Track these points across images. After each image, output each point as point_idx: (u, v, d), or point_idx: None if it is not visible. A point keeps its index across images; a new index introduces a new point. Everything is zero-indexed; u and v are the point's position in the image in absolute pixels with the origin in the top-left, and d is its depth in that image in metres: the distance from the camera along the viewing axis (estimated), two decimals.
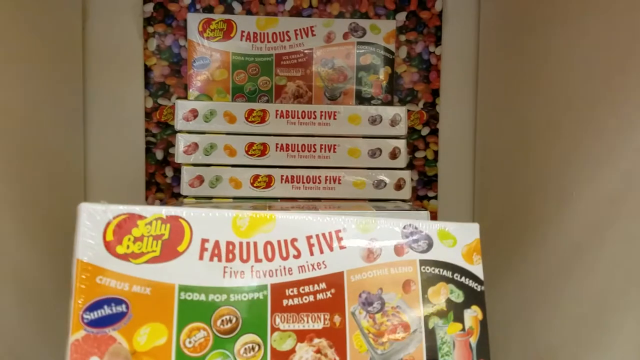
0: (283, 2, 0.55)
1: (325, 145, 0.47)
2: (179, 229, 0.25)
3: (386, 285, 0.27)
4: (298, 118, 0.47)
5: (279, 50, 0.53)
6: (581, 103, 0.38)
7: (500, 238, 0.52)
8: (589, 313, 0.36)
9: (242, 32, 0.53)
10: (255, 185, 0.46)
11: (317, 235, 0.26)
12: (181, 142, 0.46)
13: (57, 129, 0.50)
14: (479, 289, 0.28)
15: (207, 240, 0.25)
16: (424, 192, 0.58)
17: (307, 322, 0.25)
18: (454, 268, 0.28)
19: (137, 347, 0.23)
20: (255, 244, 0.26)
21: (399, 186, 0.47)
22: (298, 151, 0.47)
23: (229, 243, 0.25)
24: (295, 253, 0.26)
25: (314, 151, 0.47)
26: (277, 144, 0.46)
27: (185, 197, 0.47)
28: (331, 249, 0.27)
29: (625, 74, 0.33)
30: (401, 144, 0.47)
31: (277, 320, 0.25)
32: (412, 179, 0.48)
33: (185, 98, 0.54)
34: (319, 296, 0.26)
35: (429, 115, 0.57)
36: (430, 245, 0.28)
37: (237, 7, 0.55)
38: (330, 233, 0.27)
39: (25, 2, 0.43)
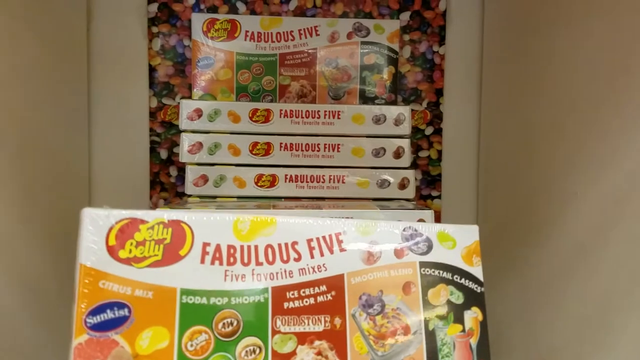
0: (287, 2, 0.55)
1: (329, 144, 0.47)
2: (181, 233, 0.25)
3: (386, 288, 0.27)
4: (302, 117, 0.47)
5: (283, 50, 0.53)
6: (585, 103, 0.38)
7: (503, 238, 0.52)
8: (593, 314, 0.36)
9: (246, 32, 0.53)
10: (259, 184, 0.47)
11: (318, 239, 0.27)
12: (185, 141, 0.46)
13: (61, 129, 0.50)
14: (478, 290, 0.29)
15: (208, 244, 0.25)
16: (427, 192, 0.58)
17: (308, 324, 0.26)
18: (454, 270, 0.28)
19: (139, 351, 0.24)
20: (256, 247, 0.26)
21: (402, 185, 0.47)
22: (302, 150, 0.47)
23: (230, 247, 0.26)
24: (296, 256, 0.26)
25: (318, 150, 0.47)
26: (281, 143, 0.47)
27: (190, 196, 0.47)
28: (331, 251, 0.27)
29: (629, 74, 0.33)
30: (405, 143, 0.47)
31: (278, 322, 0.25)
32: (415, 179, 0.48)
33: (190, 98, 0.54)
34: (320, 298, 0.26)
35: (432, 115, 0.57)
36: (429, 248, 0.28)
37: (241, 7, 0.56)
38: (330, 236, 0.27)
39: (29, 3, 0.43)
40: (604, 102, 0.36)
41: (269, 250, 0.26)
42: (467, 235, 0.29)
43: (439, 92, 0.57)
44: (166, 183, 0.56)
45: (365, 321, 0.26)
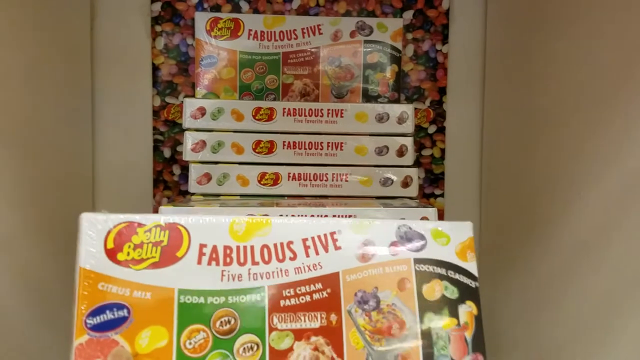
0: (290, 1, 0.55)
1: (332, 143, 0.47)
2: (178, 235, 0.26)
3: (381, 284, 0.27)
4: (305, 116, 0.47)
5: (286, 48, 0.53)
6: (588, 101, 0.38)
7: (506, 236, 0.52)
8: (595, 312, 0.36)
9: (250, 30, 0.53)
10: (262, 182, 0.47)
11: (313, 238, 0.27)
12: (189, 139, 0.46)
13: (65, 128, 0.50)
14: (473, 285, 0.29)
15: (205, 245, 0.26)
16: (430, 190, 0.58)
17: (304, 321, 0.26)
18: (448, 265, 0.29)
19: (139, 350, 0.24)
20: (252, 247, 0.27)
21: (405, 184, 0.47)
22: (305, 149, 0.47)
23: (226, 247, 0.26)
24: (292, 255, 0.27)
25: (321, 149, 0.47)
26: (284, 141, 0.47)
27: (193, 194, 0.47)
28: (326, 250, 0.27)
29: (633, 72, 0.33)
30: (408, 141, 0.47)
31: (275, 320, 0.26)
32: (418, 177, 0.48)
33: (193, 96, 0.54)
34: (315, 296, 0.27)
35: (435, 113, 0.57)
36: (424, 244, 0.29)
37: (244, 6, 0.56)
38: (325, 235, 0.27)
39: (33, 3, 0.43)
40: (608, 100, 0.35)
41: (265, 250, 0.27)
42: (461, 231, 0.29)
43: (442, 91, 0.57)
44: (169, 181, 0.57)
45: (361, 317, 0.27)
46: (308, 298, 0.26)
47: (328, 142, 0.47)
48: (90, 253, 0.25)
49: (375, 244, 0.28)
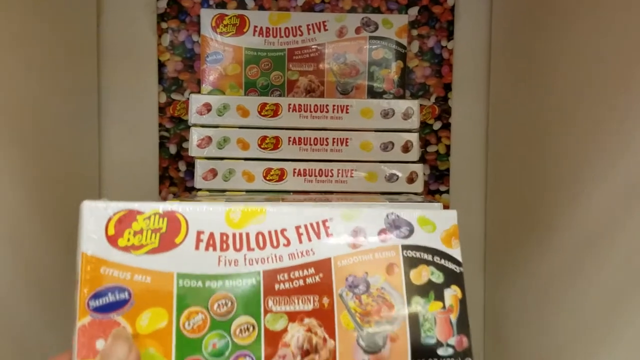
0: None
1: (337, 138, 0.47)
2: (176, 223, 0.27)
3: (371, 269, 0.29)
4: (310, 112, 0.47)
5: (291, 45, 0.53)
6: (594, 97, 0.38)
7: (511, 233, 0.52)
8: (601, 310, 0.36)
9: (255, 27, 0.53)
10: (267, 178, 0.47)
11: (306, 225, 0.29)
12: (195, 135, 0.46)
13: (72, 124, 0.50)
14: (458, 271, 0.30)
15: (202, 232, 0.27)
16: (435, 187, 0.58)
17: (298, 304, 0.27)
18: (434, 252, 0.30)
19: (139, 330, 0.25)
20: (247, 234, 0.28)
21: (411, 179, 0.47)
22: (310, 145, 0.47)
23: (222, 234, 0.27)
24: (285, 242, 0.28)
25: (326, 145, 0.47)
26: (289, 137, 0.47)
27: (199, 190, 0.47)
28: (319, 237, 0.29)
29: (638, 70, 0.33)
30: (413, 137, 0.47)
31: (270, 303, 0.27)
32: (424, 174, 0.48)
33: (199, 93, 0.55)
34: (309, 280, 0.28)
35: (441, 110, 0.57)
36: (411, 232, 0.30)
37: (249, 2, 0.56)
38: (317, 223, 0.29)
39: (39, 0, 0.44)
40: (613, 97, 0.35)
41: (260, 237, 0.28)
42: (446, 219, 0.31)
43: (447, 87, 0.57)
44: (175, 178, 0.57)
45: (351, 300, 0.28)
46: (301, 282, 0.28)
47: (333, 138, 0.47)
48: (91, 239, 0.26)
49: (365, 231, 0.29)
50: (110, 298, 0.25)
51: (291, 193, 0.47)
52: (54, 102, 0.46)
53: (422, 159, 0.57)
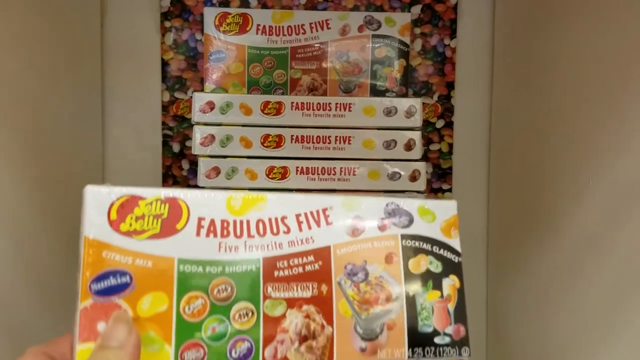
0: None
1: (340, 137, 0.47)
2: (177, 209, 0.27)
3: (370, 258, 0.29)
4: (313, 110, 0.47)
5: (294, 43, 0.53)
6: (597, 95, 0.38)
7: (514, 231, 0.52)
8: (603, 308, 0.36)
9: (258, 25, 0.53)
10: (270, 176, 0.47)
11: (306, 213, 0.29)
12: (198, 134, 0.47)
13: (76, 123, 0.50)
14: (456, 260, 0.30)
15: (203, 219, 0.27)
16: (438, 185, 0.58)
17: (297, 290, 0.28)
18: (433, 241, 0.30)
19: (140, 314, 0.25)
20: (248, 221, 0.28)
21: (413, 177, 0.47)
22: (313, 143, 0.47)
23: (223, 221, 0.28)
24: (285, 229, 0.28)
25: (329, 143, 0.47)
26: (292, 135, 0.47)
27: (202, 188, 0.47)
28: (319, 225, 0.29)
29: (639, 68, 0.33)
30: (416, 135, 0.47)
31: (269, 289, 0.27)
32: (426, 172, 0.48)
33: (202, 91, 0.55)
34: (308, 268, 0.28)
35: (443, 108, 0.57)
36: (411, 221, 0.30)
37: (252, 1, 0.56)
38: (317, 211, 0.29)
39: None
40: (615, 95, 0.35)
41: (260, 224, 0.28)
42: (446, 209, 0.31)
43: (450, 85, 0.57)
44: (178, 176, 0.57)
45: (350, 288, 0.29)
46: (300, 270, 0.28)
47: (336, 136, 0.47)
48: (94, 223, 0.26)
49: (365, 220, 0.30)
50: (111, 281, 0.25)
51: (294, 191, 0.47)
52: (57, 101, 0.46)
53: (424, 157, 0.57)
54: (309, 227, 0.29)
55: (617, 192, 0.35)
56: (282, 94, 0.53)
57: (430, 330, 0.29)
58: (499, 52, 0.56)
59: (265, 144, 0.47)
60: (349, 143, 0.47)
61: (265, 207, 0.28)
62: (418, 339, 0.29)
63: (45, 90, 0.44)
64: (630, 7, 0.34)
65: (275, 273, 0.28)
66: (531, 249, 0.47)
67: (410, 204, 0.30)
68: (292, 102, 0.47)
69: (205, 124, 0.47)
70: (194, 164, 0.57)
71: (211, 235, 0.27)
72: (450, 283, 0.30)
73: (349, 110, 0.47)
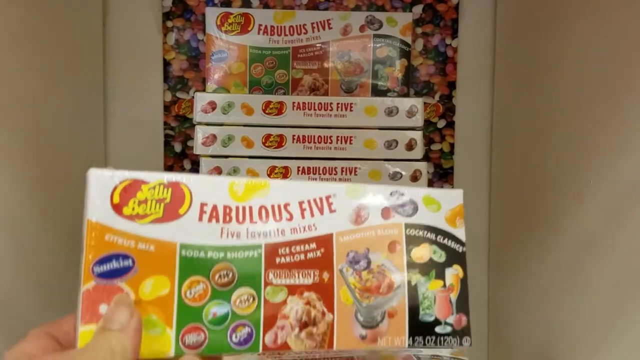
0: None
1: (341, 136, 0.47)
2: (180, 194, 0.27)
3: (373, 246, 0.29)
4: (314, 110, 0.47)
5: (296, 43, 0.53)
6: (598, 96, 0.38)
7: (515, 231, 0.52)
8: (602, 308, 0.36)
9: (260, 25, 0.53)
10: (272, 176, 0.47)
11: (309, 200, 0.29)
12: (200, 133, 0.47)
13: (78, 123, 0.51)
14: (460, 250, 0.30)
15: (205, 204, 0.27)
16: (439, 185, 0.58)
17: (298, 277, 0.28)
18: (437, 231, 0.30)
19: (142, 297, 0.26)
20: (250, 207, 0.28)
21: (415, 177, 0.47)
22: (314, 143, 0.47)
23: (226, 207, 0.28)
24: (288, 216, 0.28)
25: (330, 143, 0.47)
26: (293, 135, 0.47)
27: None
28: (322, 212, 0.29)
29: None
30: (417, 135, 0.47)
31: (271, 275, 0.27)
32: (428, 172, 0.48)
33: (204, 91, 0.55)
34: (310, 255, 0.28)
35: (445, 108, 0.58)
36: (415, 210, 0.30)
37: (254, 1, 0.56)
38: (321, 198, 0.29)
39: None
40: (617, 95, 0.35)
41: (263, 211, 0.28)
42: (451, 198, 0.31)
43: (452, 85, 0.57)
44: None
45: (351, 276, 0.29)
46: (302, 257, 0.28)
47: (337, 136, 0.47)
48: (97, 207, 0.26)
49: (369, 208, 0.29)
50: (114, 264, 0.25)
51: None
52: (58, 101, 0.47)
53: (426, 157, 0.57)
54: (312, 215, 0.28)
55: (618, 192, 0.35)
56: (284, 94, 0.53)
57: (431, 319, 0.29)
58: (500, 52, 0.56)
59: (266, 144, 0.47)
60: (350, 143, 0.47)
61: (268, 194, 0.28)
62: (419, 328, 0.29)
63: (46, 90, 0.44)
64: (632, 7, 0.34)
65: (277, 260, 0.28)
66: (532, 248, 0.47)
67: (415, 193, 0.30)
68: (294, 102, 0.47)
69: (207, 124, 0.47)
70: (195, 163, 0.57)
71: (213, 220, 0.27)
72: (453, 273, 0.30)
73: (351, 110, 0.47)
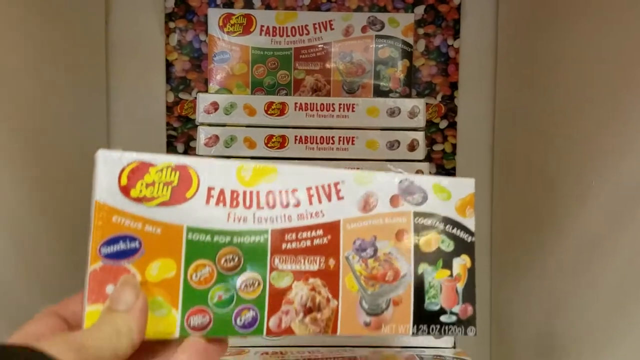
0: None
1: (343, 137, 0.47)
2: (187, 177, 0.27)
3: (380, 234, 0.29)
4: (317, 110, 0.47)
5: (298, 44, 0.53)
6: (600, 96, 0.38)
7: (518, 231, 0.52)
8: (605, 309, 0.36)
9: (262, 26, 0.53)
10: None
11: (317, 187, 0.28)
12: (202, 134, 0.47)
13: (80, 123, 0.51)
14: (469, 240, 0.30)
15: (212, 188, 0.27)
16: None
17: (304, 263, 0.28)
18: (446, 220, 0.30)
19: (149, 278, 0.26)
20: (257, 192, 0.28)
21: None
22: (317, 143, 0.47)
23: (233, 191, 0.27)
24: (295, 202, 0.28)
25: (333, 143, 0.47)
26: (296, 136, 0.47)
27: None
28: (329, 199, 0.28)
29: None
30: (419, 136, 0.47)
31: (276, 261, 0.27)
32: (430, 172, 0.48)
33: (206, 92, 0.55)
34: (316, 241, 0.28)
35: (447, 109, 0.58)
36: (425, 199, 0.30)
37: (256, 2, 0.56)
38: (329, 185, 0.29)
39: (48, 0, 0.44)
40: (619, 95, 0.35)
41: (270, 196, 0.28)
42: (462, 187, 0.30)
43: (454, 86, 0.57)
44: None
45: (357, 263, 0.28)
46: (309, 243, 0.28)
47: (339, 137, 0.47)
48: (104, 188, 0.26)
49: (377, 196, 0.29)
50: (121, 246, 0.26)
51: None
52: (62, 101, 0.47)
53: (428, 158, 0.57)
54: (319, 201, 0.28)
55: (621, 193, 0.35)
56: (286, 94, 0.53)
57: (436, 308, 0.29)
58: (502, 53, 0.56)
59: (269, 145, 0.47)
60: (352, 143, 0.47)
61: (275, 179, 0.28)
62: (423, 317, 0.29)
63: (48, 91, 0.45)
64: (634, 8, 0.34)
65: (283, 245, 0.28)
66: (534, 249, 0.47)
67: (425, 181, 0.30)
68: (296, 103, 0.47)
69: (210, 125, 0.47)
70: None
71: (220, 204, 0.27)
72: (461, 262, 0.30)
73: (353, 111, 0.47)
